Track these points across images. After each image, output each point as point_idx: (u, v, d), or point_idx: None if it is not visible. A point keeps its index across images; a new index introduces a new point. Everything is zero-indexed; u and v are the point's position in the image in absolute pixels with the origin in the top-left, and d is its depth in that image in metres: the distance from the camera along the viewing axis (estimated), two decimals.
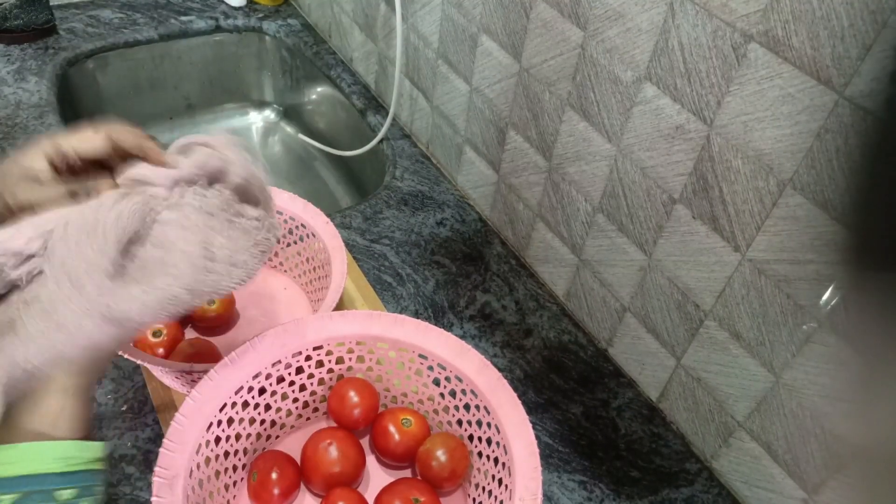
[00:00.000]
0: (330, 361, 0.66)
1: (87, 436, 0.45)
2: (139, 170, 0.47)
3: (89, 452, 0.44)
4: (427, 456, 0.63)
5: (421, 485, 0.62)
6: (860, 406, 0.25)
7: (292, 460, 0.64)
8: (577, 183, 0.80)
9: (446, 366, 0.63)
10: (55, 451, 0.42)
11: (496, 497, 0.59)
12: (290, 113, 1.42)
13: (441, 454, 0.63)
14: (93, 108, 1.23)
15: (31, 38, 1.15)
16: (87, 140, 0.48)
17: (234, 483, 0.62)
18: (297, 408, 0.67)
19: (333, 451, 0.62)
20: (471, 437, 0.64)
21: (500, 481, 0.59)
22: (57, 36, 1.18)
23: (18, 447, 0.41)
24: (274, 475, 0.61)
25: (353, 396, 0.66)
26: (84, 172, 0.49)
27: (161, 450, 0.52)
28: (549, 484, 0.70)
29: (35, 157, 0.46)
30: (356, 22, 1.18)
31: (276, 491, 0.61)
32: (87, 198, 0.46)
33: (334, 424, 0.68)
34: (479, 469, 0.63)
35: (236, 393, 0.59)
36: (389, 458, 0.66)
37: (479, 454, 0.63)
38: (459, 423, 0.65)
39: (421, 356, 0.64)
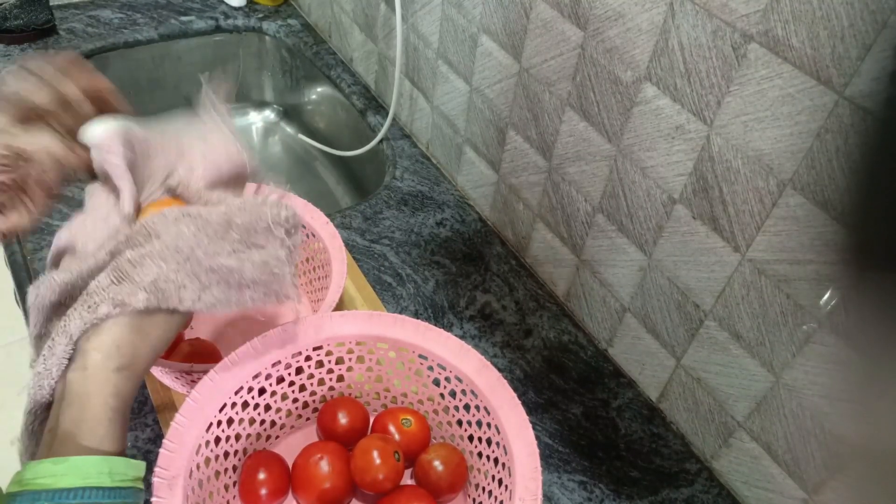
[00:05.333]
0: (330, 362, 0.66)
1: (125, 453, 0.46)
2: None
3: (135, 470, 0.45)
4: (427, 465, 0.63)
5: (420, 492, 0.62)
6: (860, 406, 0.25)
7: (282, 462, 0.64)
8: (577, 183, 0.80)
9: (446, 366, 0.63)
10: (105, 466, 0.43)
11: (496, 497, 0.59)
12: (290, 113, 1.42)
13: (441, 466, 0.63)
14: None
15: (31, 38, 1.15)
16: (35, 94, 0.48)
17: (234, 483, 0.62)
18: (296, 408, 0.67)
19: (325, 466, 0.62)
20: (471, 438, 0.64)
21: (500, 482, 0.59)
22: (57, 36, 1.18)
23: (70, 460, 0.42)
24: (261, 475, 0.61)
25: (342, 418, 0.66)
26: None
27: (161, 450, 0.52)
28: (549, 484, 0.70)
29: None
30: (356, 22, 1.18)
31: (263, 491, 0.61)
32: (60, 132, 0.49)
33: None
34: (479, 469, 0.63)
35: (236, 393, 0.59)
36: None
37: (479, 454, 0.63)
38: (459, 423, 0.65)
39: (421, 356, 0.64)
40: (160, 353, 0.48)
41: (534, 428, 0.58)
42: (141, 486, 0.45)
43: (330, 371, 0.67)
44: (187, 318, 0.50)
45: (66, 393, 0.44)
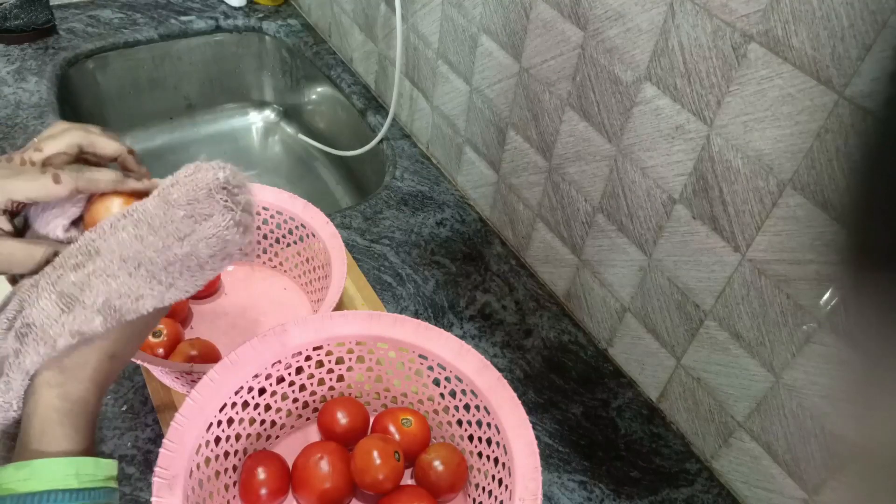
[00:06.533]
0: (330, 361, 0.66)
1: (93, 453, 0.45)
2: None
3: (105, 469, 0.43)
4: (427, 466, 0.63)
5: (420, 492, 0.62)
6: (860, 406, 0.25)
7: (282, 462, 0.64)
8: (577, 183, 0.80)
9: (446, 366, 0.63)
10: (71, 468, 0.41)
11: (496, 497, 0.59)
12: (290, 113, 1.42)
13: (441, 466, 0.63)
14: (93, 108, 1.23)
15: (31, 38, 1.15)
16: (46, 191, 0.46)
17: (234, 483, 0.62)
18: (296, 408, 0.67)
19: (325, 466, 0.62)
20: (471, 438, 0.64)
21: (500, 481, 0.59)
22: (57, 36, 1.18)
23: (33, 464, 0.41)
24: (261, 475, 0.61)
25: (342, 418, 0.66)
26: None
27: (161, 450, 0.52)
28: (549, 484, 0.70)
29: None
30: (356, 22, 1.18)
31: (262, 491, 0.61)
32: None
33: None
34: (479, 469, 0.63)
35: (236, 393, 0.59)
36: None
37: (479, 454, 0.63)
38: (459, 423, 0.65)
39: (421, 356, 0.64)
40: (117, 352, 0.46)
41: (534, 428, 0.58)
42: (114, 485, 0.44)
43: (330, 371, 0.67)
44: (154, 316, 0.48)
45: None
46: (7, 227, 0.46)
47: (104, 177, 0.47)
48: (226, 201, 0.47)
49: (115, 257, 0.44)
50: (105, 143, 0.49)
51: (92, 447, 0.45)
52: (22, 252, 0.45)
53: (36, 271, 0.45)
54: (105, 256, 0.44)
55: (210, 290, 0.81)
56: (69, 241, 0.47)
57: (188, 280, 0.47)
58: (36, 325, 0.43)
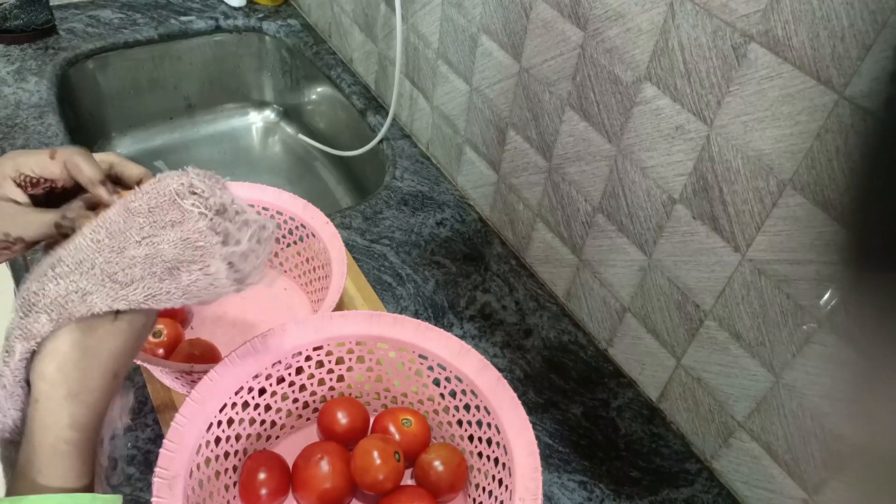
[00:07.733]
0: (330, 362, 0.66)
1: (92, 488, 0.44)
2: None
3: None
4: (427, 466, 0.63)
5: (420, 492, 0.62)
6: (860, 406, 0.25)
7: (282, 462, 0.64)
8: (577, 183, 0.80)
9: (446, 366, 0.63)
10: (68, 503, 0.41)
11: (496, 497, 0.59)
12: (290, 113, 1.42)
13: (441, 467, 0.63)
14: (93, 108, 1.23)
15: (31, 38, 1.15)
16: (44, 165, 0.49)
17: (234, 483, 0.62)
18: (297, 408, 0.67)
19: (325, 466, 0.62)
20: (471, 438, 0.64)
21: (500, 481, 0.59)
22: (57, 36, 1.18)
23: (26, 500, 0.40)
24: (261, 475, 0.61)
25: (342, 418, 0.66)
26: (56, 193, 0.51)
27: (161, 450, 0.52)
28: (549, 484, 0.70)
29: (2, 185, 0.49)
30: (356, 22, 1.18)
31: (262, 491, 0.61)
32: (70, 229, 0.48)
33: None
34: (479, 469, 0.63)
35: (236, 393, 0.59)
36: None
37: (480, 454, 0.63)
38: (459, 423, 0.65)
39: (421, 356, 0.64)
40: (119, 370, 0.45)
41: (534, 428, 0.58)
42: None
43: (330, 371, 0.67)
44: (145, 325, 0.47)
45: (25, 428, 0.43)
46: (23, 198, 0.49)
47: (87, 167, 0.49)
48: (197, 207, 0.46)
49: (70, 261, 0.45)
50: (132, 167, 0.52)
51: (92, 481, 0.44)
52: (36, 219, 0.48)
53: (52, 235, 0.48)
54: (63, 262, 0.45)
55: None
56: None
57: (153, 283, 0.46)
58: (5, 335, 0.44)
